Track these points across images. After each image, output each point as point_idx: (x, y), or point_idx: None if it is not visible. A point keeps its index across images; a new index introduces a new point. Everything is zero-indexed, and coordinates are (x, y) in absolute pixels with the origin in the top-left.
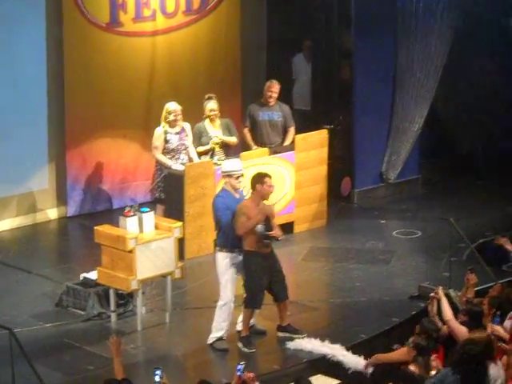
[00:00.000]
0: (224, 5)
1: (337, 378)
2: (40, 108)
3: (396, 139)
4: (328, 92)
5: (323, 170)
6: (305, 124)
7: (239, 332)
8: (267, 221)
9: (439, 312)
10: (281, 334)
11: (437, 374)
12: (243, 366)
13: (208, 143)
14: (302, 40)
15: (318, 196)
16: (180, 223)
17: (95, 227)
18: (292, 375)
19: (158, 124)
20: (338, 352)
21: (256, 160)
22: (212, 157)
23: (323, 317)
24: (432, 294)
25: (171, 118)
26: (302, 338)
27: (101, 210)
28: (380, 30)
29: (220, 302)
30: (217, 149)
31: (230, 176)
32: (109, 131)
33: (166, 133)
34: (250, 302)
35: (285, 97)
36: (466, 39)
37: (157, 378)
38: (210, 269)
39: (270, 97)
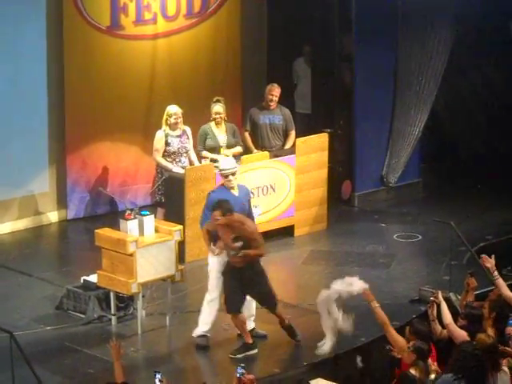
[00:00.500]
0: (225, 8)
1: (336, 382)
2: (40, 111)
3: (396, 143)
4: (328, 96)
5: (324, 173)
6: (306, 128)
7: (239, 335)
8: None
9: (439, 316)
10: None
11: (436, 377)
12: (243, 369)
13: (213, 145)
14: (302, 44)
15: (319, 199)
16: (180, 226)
17: (95, 230)
18: (292, 378)
19: (159, 127)
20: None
21: (256, 163)
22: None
23: None
24: (432, 298)
25: (172, 120)
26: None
27: (101, 213)
28: (380, 34)
29: (208, 297)
30: (221, 151)
31: (221, 174)
32: (109, 134)
33: (166, 136)
34: (227, 306)
35: (286, 101)
36: (467, 43)
37: (157, 382)
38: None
39: (271, 100)
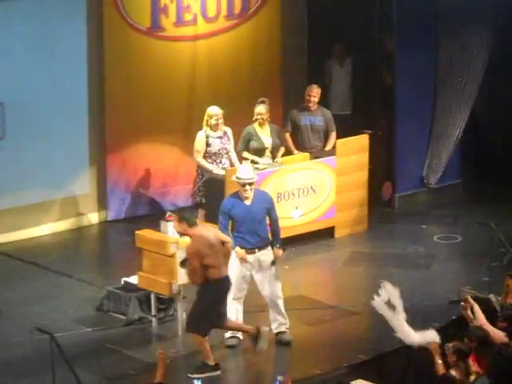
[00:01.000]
0: (265, 9)
1: (377, 383)
2: (81, 113)
3: (437, 144)
4: (369, 96)
5: (364, 174)
6: (344, 128)
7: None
8: None
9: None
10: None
11: (476, 379)
12: (282, 377)
13: (258, 147)
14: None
15: (359, 201)
16: None
17: (136, 232)
18: (333, 380)
19: (199, 128)
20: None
21: (297, 165)
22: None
23: (364, 321)
24: (462, 304)
25: (212, 121)
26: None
27: (141, 214)
28: (421, 35)
29: (229, 296)
30: (266, 153)
31: (237, 182)
32: (149, 135)
33: (207, 137)
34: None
35: (322, 102)
36: (509, 42)
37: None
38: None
39: (311, 101)
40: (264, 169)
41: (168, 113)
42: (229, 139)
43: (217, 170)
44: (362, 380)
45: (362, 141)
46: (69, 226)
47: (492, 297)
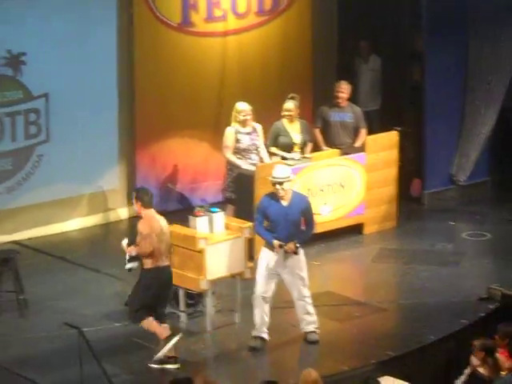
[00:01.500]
0: (295, 6)
1: (404, 380)
2: (110, 107)
3: (466, 141)
4: (399, 94)
5: (393, 171)
6: (373, 125)
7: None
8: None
9: None
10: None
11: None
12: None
13: (286, 143)
14: (372, 41)
15: (388, 197)
16: (250, 223)
17: None
18: (360, 376)
19: (229, 124)
20: None
21: (327, 161)
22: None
23: (392, 318)
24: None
25: (241, 117)
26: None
27: (171, 209)
28: (451, 32)
29: (257, 294)
30: (295, 148)
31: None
32: (179, 131)
33: (237, 133)
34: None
35: (355, 98)
36: None
37: None
38: None
39: (339, 97)
40: (293, 165)
41: (197, 108)
42: (258, 135)
43: (246, 165)
44: (389, 376)
45: (391, 137)
46: (97, 221)
47: None
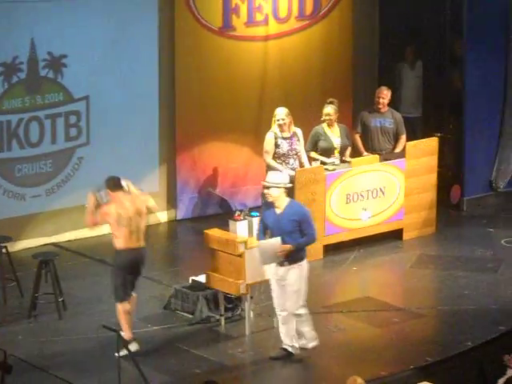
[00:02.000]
0: (336, 11)
1: None
2: (152, 111)
3: (506, 148)
4: (439, 99)
5: (433, 177)
6: (414, 131)
7: None
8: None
9: None
10: None
11: None
12: None
13: (326, 147)
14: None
15: (428, 203)
16: None
17: (205, 231)
18: (399, 381)
19: (269, 129)
20: None
21: (367, 166)
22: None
23: (430, 324)
24: None
25: (279, 122)
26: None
27: (210, 213)
28: (491, 38)
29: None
30: (335, 153)
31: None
32: (220, 135)
33: (276, 138)
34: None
35: (396, 104)
36: None
37: None
38: (318, 274)
39: (379, 103)
40: (333, 170)
41: (238, 113)
42: (298, 140)
43: (286, 170)
44: (427, 382)
45: (431, 143)
46: None
47: None
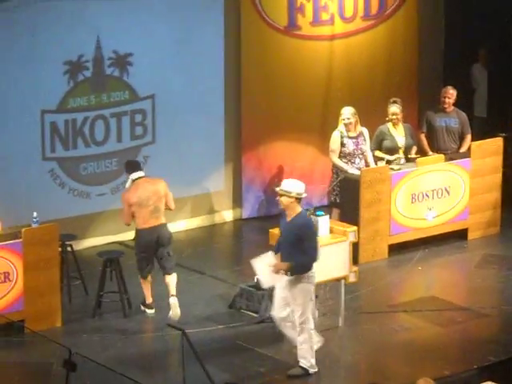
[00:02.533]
0: (402, 10)
1: None
2: (217, 109)
3: None
4: (504, 100)
5: (498, 177)
6: (483, 132)
7: None
8: None
9: None
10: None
11: None
12: None
13: (391, 146)
14: (478, 47)
15: (493, 203)
16: (355, 227)
17: (270, 230)
18: (462, 381)
19: (335, 128)
20: None
21: (432, 166)
22: (389, 162)
23: (494, 323)
24: None
25: (346, 122)
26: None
27: (276, 212)
28: None
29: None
30: (400, 152)
31: None
32: (285, 134)
33: (342, 137)
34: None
35: (463, 105)
36: None
37: None
38: (384, 274)
39: (445, 102)
40: (398, 169)
41: (304, 111)
42: (365, 139)
43: (352, 169)
44: (491, 382)
45: (496, 143)
46: (203, 223)
47: None
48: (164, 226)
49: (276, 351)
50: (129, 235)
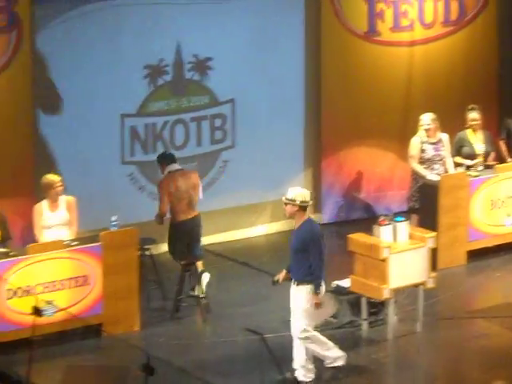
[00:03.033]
0: (482, 16)
1: None
2: (297, 114)
3: None
4: None
5: None
6: None
7: None
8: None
9: None
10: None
11: None
12: None
13: (469, 153)
14: None
15: None
16: (434, 233)
17: (349, 235)
18: None
19: (414, 134)
20: None
21: (511, 173)
22: (468, 168)
23: None
24: None
25: (426, 128)
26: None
27: (355, 218)
28: None
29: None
30: (478, 159)
31: None
32: (365, 139)
33: (422, 143)
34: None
35: None
36: None
37: None
38: (462, 280)
39: None
40: (477, 176)
41: (384, 117)
42: (444, 145)
43: (431, 175)
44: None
45: None
46: (282, 228)
47: None
48: (199, 217)
49: (354, 356)
50: (208, 240)
